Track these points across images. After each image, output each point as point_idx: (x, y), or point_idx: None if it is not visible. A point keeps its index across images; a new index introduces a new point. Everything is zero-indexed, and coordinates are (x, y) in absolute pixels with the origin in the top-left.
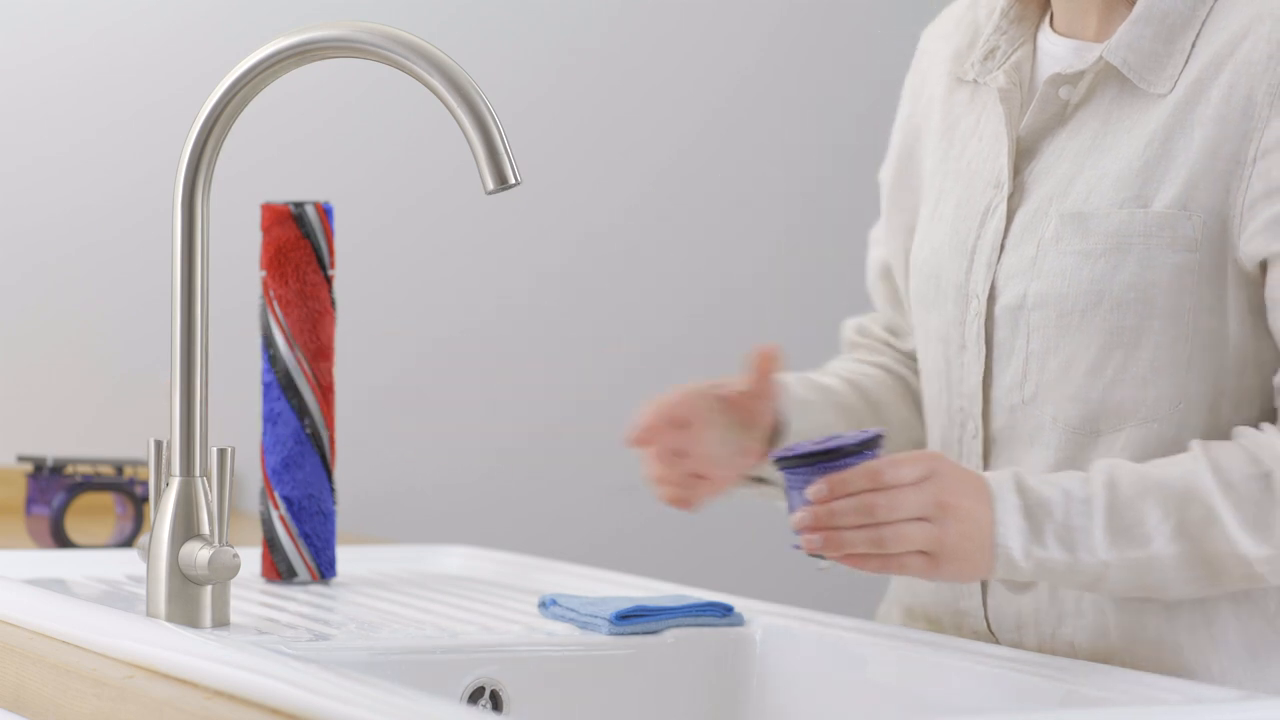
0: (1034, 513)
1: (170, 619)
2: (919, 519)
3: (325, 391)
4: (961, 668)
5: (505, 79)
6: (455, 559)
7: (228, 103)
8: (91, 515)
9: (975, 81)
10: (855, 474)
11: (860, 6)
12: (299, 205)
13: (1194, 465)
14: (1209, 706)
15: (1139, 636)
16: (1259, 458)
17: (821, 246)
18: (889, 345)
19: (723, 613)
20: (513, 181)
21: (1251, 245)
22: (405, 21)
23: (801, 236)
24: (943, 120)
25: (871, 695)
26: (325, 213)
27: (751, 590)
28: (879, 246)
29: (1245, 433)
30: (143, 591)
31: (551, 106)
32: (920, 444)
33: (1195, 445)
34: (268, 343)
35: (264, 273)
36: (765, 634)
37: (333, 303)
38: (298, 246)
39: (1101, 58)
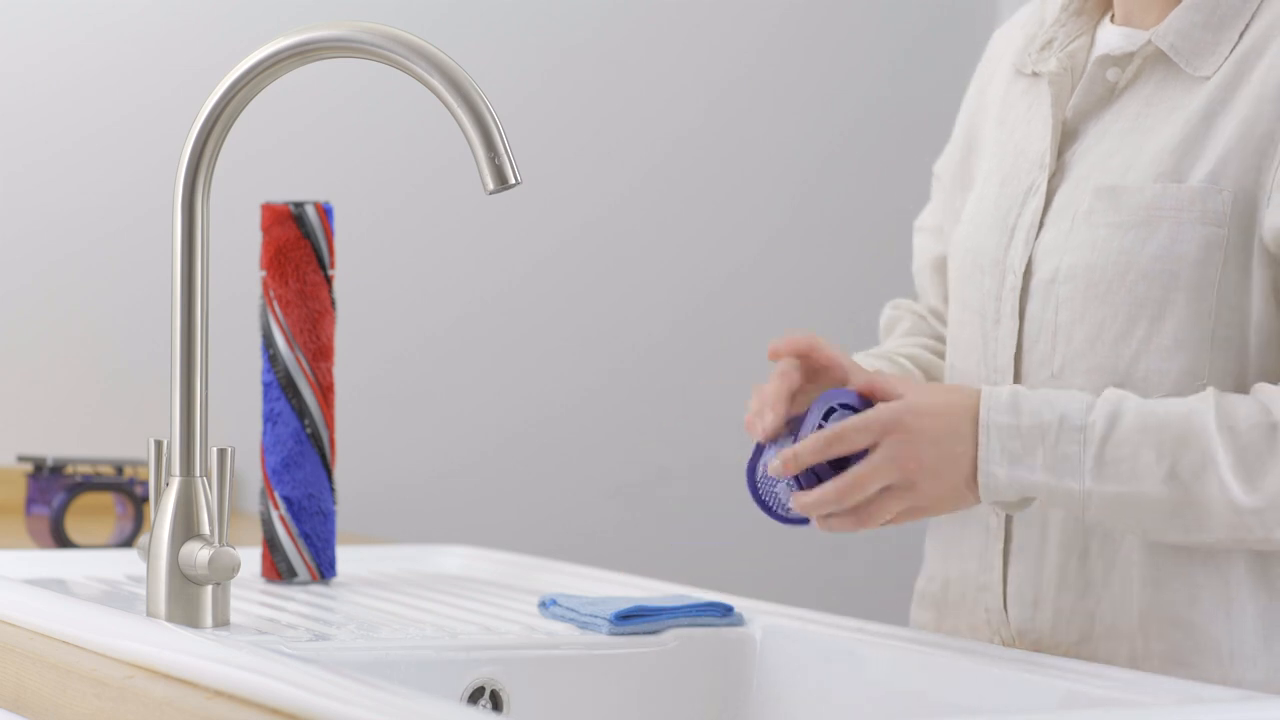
0: (1027, 435)
1: (170, 619)
2: (887, 489)
3: (325, 391)
4: (962, 667)
5: (505, 79)
6: (455, 559)
7: (228, 103)
8: (91, 515)
9: (1033, 73)
10: (807, 445)
11: (857, 5)
12: (299, 205)
13: (1201, 406)
14: (1209, 706)
15: (1160, 615)
16: (1269, 408)
17: (815, 243)
18: (923, 319)
19: (723, 613)
20: (513, 181)
21: (1274, 219)
22: (405, 21)
23: (796, 233)
24: (1000, 109)
25: (871, 695)
26: (325, 213)
27: (751, 590)
28: (927, 235)
29: (1263, 387)
30: (143, 591)
31: (550, 106)
32: None
33: (1210, 389)
34: (268, 343)
35: (264, 273)
36: (765, 634)
37: (333, 303)
38: (298, 246)
39: (1150, 41)
